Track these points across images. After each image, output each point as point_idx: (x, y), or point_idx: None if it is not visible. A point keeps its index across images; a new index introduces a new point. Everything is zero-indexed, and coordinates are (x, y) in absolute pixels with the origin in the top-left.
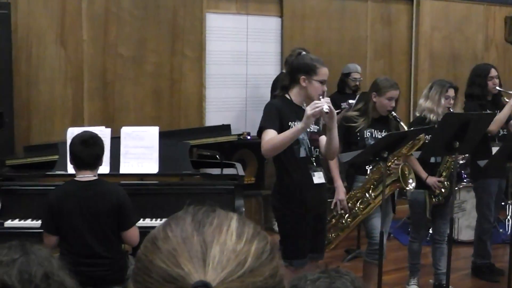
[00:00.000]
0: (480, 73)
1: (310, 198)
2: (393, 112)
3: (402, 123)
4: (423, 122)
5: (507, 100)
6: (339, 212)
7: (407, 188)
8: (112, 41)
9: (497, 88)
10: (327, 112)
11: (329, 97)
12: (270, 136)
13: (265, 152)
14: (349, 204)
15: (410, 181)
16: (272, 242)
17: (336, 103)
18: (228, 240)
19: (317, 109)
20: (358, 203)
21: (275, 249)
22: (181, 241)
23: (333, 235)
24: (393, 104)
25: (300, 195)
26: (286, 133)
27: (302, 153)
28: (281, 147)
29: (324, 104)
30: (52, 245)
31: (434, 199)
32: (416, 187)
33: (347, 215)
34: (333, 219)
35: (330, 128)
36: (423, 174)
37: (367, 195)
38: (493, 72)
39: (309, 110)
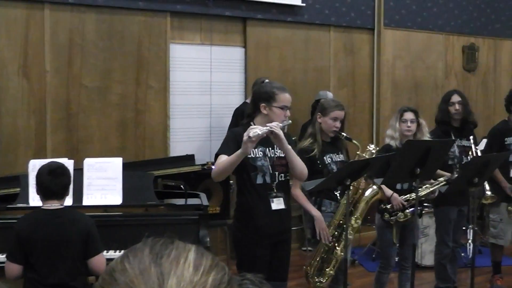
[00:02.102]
0: (443, 99)
1: (266, 225)
2: (343, 133)
3: (354, 141)
4: (389, 149)
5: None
6: (329, 244)
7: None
8: (76, 72)
9: None
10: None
11: (303, 125)
12: (220, 161)
13: (212, 176)
14: (335, 233)
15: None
16: (230, 273)
17: None
18: (185, 272)
19: (247, 136)
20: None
21: (233, 281)
22: (138, 273)
23: (330, 270)
24: (338, 125)
25: (256, 221)
26: (228, 158)
27: (259, 180)
28: (225, 171)
29: (256, 129)
30: (15, 275)
31: (388, 215)
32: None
33: (336, 245)
34: (325, 255)
35: (282, 151)
36: (388, 192)
37: (353, 219)
38: (455, 98)
39: (245, 135)
